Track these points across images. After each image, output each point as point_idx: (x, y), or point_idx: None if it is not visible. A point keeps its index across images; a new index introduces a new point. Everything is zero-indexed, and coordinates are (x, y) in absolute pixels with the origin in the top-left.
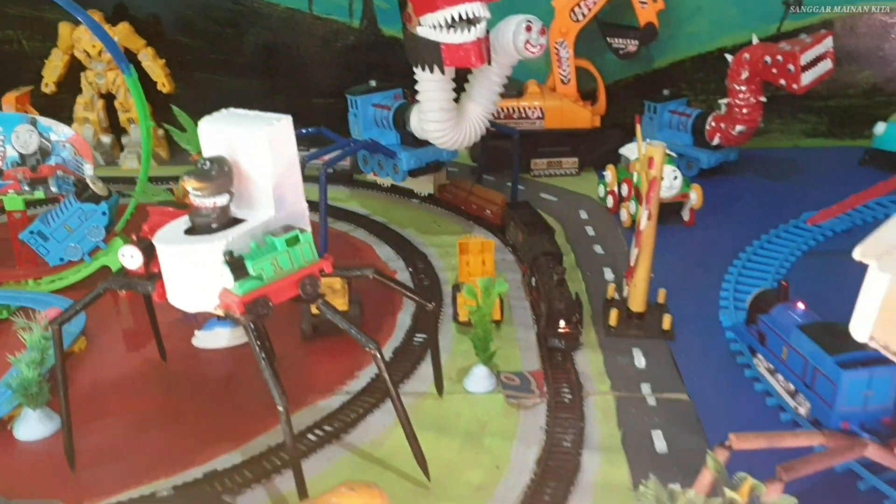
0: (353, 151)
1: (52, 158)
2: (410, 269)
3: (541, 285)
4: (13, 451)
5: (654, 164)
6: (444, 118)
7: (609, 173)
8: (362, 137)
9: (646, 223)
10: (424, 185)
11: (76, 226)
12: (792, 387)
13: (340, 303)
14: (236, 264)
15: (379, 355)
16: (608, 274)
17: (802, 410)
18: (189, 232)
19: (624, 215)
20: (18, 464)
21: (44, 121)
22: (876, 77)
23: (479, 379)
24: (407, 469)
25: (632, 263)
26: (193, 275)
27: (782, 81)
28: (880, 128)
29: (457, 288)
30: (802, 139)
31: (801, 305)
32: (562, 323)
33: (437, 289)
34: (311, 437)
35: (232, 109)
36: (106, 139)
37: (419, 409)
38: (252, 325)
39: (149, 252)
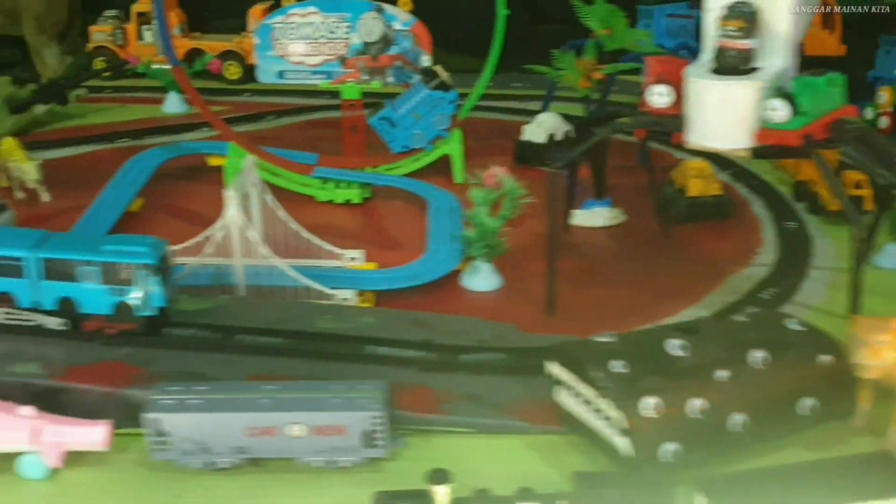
0: None
1: (394, 48)
2: None
3: None
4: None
5: None
6: None
7: (885, 94)
8: None
9: None
10: None
11: (424, 112)
12: None
13: (715, 187)
14: (789, 100)
15: None
16: None
17: None
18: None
19: None
20: (473, 309)
21: (389, 8)
22: None
23: None
24: None
25: None
26: (730, 112)
27: None
28: None
29: None
30: None
31: None
32: None
33: None
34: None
35: None
36: None
37: None
38: None
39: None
